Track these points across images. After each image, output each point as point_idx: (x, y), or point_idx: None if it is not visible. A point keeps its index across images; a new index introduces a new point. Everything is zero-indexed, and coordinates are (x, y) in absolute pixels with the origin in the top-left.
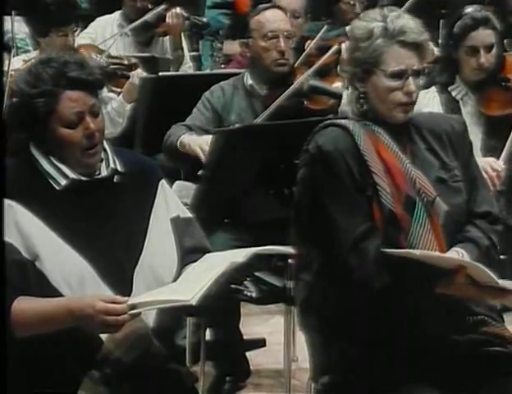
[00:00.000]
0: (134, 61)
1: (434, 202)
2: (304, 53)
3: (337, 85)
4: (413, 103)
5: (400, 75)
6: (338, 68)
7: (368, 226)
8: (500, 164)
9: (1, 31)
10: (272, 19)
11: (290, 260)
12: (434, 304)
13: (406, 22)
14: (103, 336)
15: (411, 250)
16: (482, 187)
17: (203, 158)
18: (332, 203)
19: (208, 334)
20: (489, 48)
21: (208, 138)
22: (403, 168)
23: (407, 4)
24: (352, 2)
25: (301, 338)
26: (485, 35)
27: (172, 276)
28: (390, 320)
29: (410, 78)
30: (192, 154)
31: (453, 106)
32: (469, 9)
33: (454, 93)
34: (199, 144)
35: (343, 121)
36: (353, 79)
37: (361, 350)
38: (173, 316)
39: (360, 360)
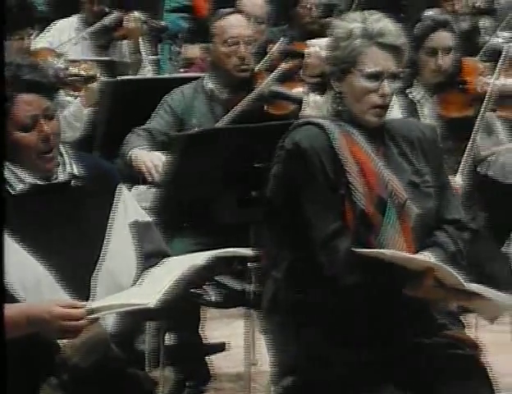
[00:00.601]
0: (92, 73)
1: (405, 205)
2: (266, 58)
3: (298, 90)
4: (386, 106)
5: (376, 76)
6: (300, 73)
7: (339, 225)
8: (457, 181)
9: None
10: (233, 24)
11: (249, 263)
12: (403, 306)
13: (385, 25)
14: (61, 342)
15: (382, 250)
16: (452, 194)
17: (145, 174)
18: (306, 200)
19: (168, 338)
20: (447, 51)
21: (155, 155)
22: (376, 170)
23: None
24: (309, 6)
25: (261, 342)
26: (444, 38)
27: (131, 280)
28: (359, 319)
29: (386, 80)
30: (136, 169)
31: (411, 108)
32: (430, 12)
33: (411, 96)
34: (144, 161)
35: (319, 120)
36: (330, 78)
37: (327, 349)
38: (132, 321)
39: (326, 359)
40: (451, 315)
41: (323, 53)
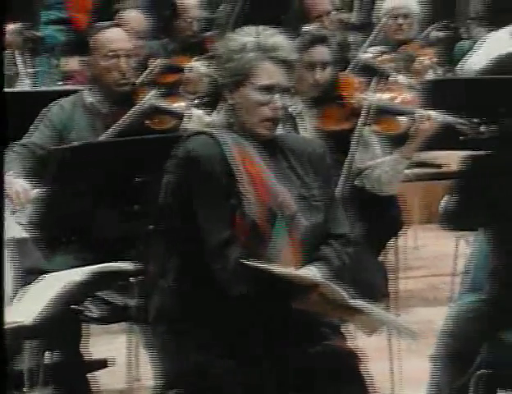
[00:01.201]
0: None
1: (294, 217)
2: (146, 72)
3: (179, 105)
4: (278, 120)
5: (268, 89)
6: (181, 88)
7: (230, 234)
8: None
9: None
10: (112, 38)
11: (132, 278)
12: (290, 316)
13: (278, 40)
14: None
15: (271, 265)
16: (338, 209)
17: (13, 200)
18: (198, 208)
19: (48, 356)
20: (325, 65)
21: (18, 182)
22: (267, 182)
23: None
24: (189, 20)
25: (144, 357)
26: (322, 52)
27: (7, 298)
28: (243, 329)
29: (278, 94)
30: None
31: (290, 122)
32: (308, 27)
33: (291, 109)
34: (12, 187)
35: (212, 131)
36: (224, 90)
37: (214, 359)
38: (9, 339)
39: (206, 370)
40: (332, 326)
41: (202, 69)
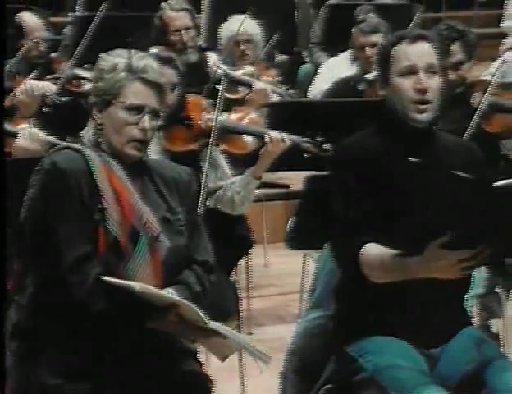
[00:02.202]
0: None
1: (157, 238)
2: None
3: (22, 127)
4: (146, 141)
5: (137, 110)
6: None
7: (90, 250)
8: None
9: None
10: None
11: None
12: (148, 335)
13: (149, 62)
14: None
15: (132, 283)
16: (203, 236)
17: None
18: (59, 222)
19: None
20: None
21: None
22: (132, 201)
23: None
24: (35, 40)
25: None
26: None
27: None
28: (101, 350)
29: (147, 116)
30: None
31: None
32: (155, 49)
33: None
34: None
35: (80, 146)
36: (92, 109)
37: (65, 382)
38: None
39: (46, 390)
40: (188, 350)
41: (36, 92)
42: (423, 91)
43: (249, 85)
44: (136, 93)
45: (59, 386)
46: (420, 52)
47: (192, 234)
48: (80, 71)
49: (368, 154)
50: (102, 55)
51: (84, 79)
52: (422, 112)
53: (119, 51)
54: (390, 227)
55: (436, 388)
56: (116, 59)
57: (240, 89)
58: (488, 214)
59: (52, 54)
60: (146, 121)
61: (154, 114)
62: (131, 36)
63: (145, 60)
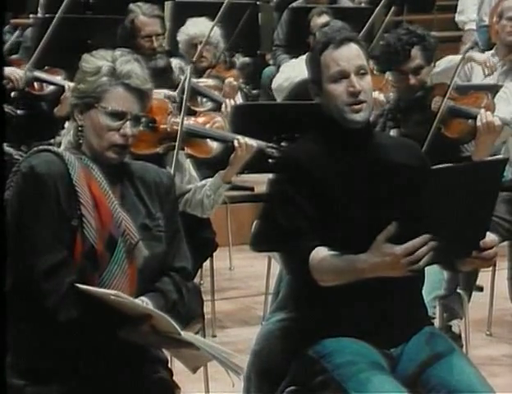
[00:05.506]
0: None
1: (136, 246)
2: None
3: None
4: (127, 147)
5: (119, 115)
6: None
7: (66, 256)
8: None
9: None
10: None
11: None
12: (119, 346)
13: (134, 68)
14: None
15: (107, 291)
16: (182, 243)
17: None
18: (35, 226)
19: None
20: None
21: None
22: (111, 207)
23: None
24: None
25: None
26: None
27: None
28: (71, 359)
29: (129, 122)
30: None
31: None
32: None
33: None
34: None
35: (59, 150)
36: (74, 111)
37: (26, 381)
38: None
39: (22, 392)
40: (159, 359)
41: None
42: (356, 94)
43: (216, 101)
44: (118, 99)
45: (21, 387)
46: (348, 56)
47: (171, 239)
48: (40, 74)
49: (308, 159)
50: (86, 56)
51: (45, 81)
52: (357, 111)
53: (103, 52)
54: (336, 229)
55: (394, 384)
56: (99, 62)
57: (204, 100)
58: (430, 204)
59: (13, 56)
60: (128, 127)
61: (136, 120)
62: (91, 38)
63: (129, 65)
